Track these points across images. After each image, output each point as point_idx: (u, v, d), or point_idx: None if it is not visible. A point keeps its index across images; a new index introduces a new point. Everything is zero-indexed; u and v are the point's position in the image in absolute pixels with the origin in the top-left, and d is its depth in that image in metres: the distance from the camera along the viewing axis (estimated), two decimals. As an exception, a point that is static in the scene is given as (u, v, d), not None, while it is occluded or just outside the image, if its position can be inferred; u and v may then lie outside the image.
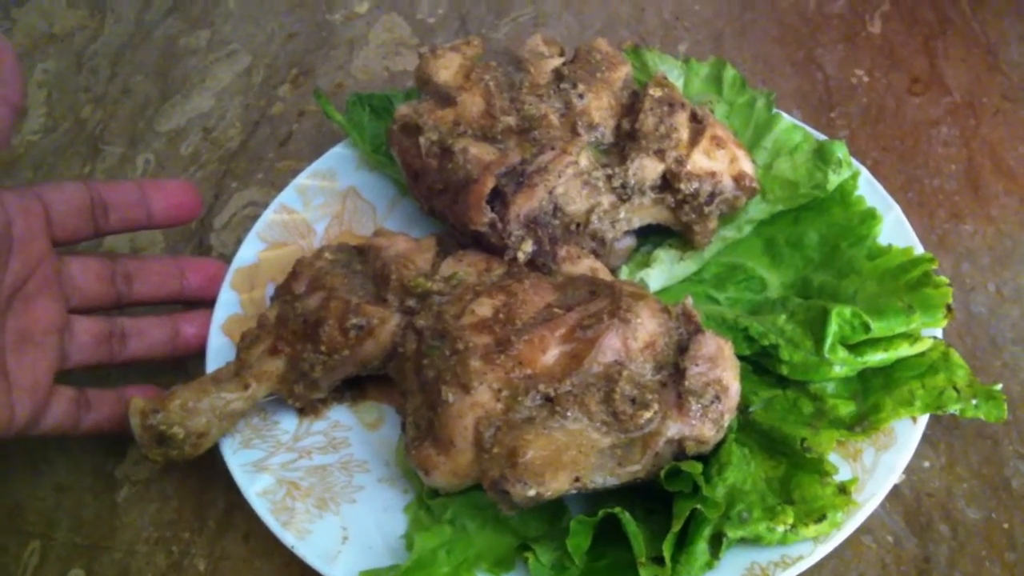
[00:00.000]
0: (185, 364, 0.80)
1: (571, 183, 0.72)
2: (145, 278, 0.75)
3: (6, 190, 0.66)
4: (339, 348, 0.69)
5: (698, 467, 0.61)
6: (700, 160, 0.75)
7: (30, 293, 0.67)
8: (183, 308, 0.79)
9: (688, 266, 0.79)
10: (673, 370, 0.63)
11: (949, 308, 0.67)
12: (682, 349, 0.64)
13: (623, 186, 0.74)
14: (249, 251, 0.82)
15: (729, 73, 0.88)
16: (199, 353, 0.75)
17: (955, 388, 0.66)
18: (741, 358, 0.67)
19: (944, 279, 0.69)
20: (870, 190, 0.79)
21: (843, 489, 0.62)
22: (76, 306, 0.71)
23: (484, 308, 0.66)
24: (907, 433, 0.66)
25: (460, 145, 0.73)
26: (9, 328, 0.66)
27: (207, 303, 0.78)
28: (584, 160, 0.73)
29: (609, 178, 0.74)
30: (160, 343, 0.75)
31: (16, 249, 0.65)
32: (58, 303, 0.69)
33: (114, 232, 0.73)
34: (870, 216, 0.77)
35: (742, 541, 0.61)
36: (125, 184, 0.73)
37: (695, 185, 0.75)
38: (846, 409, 0.67)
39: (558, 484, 0.59)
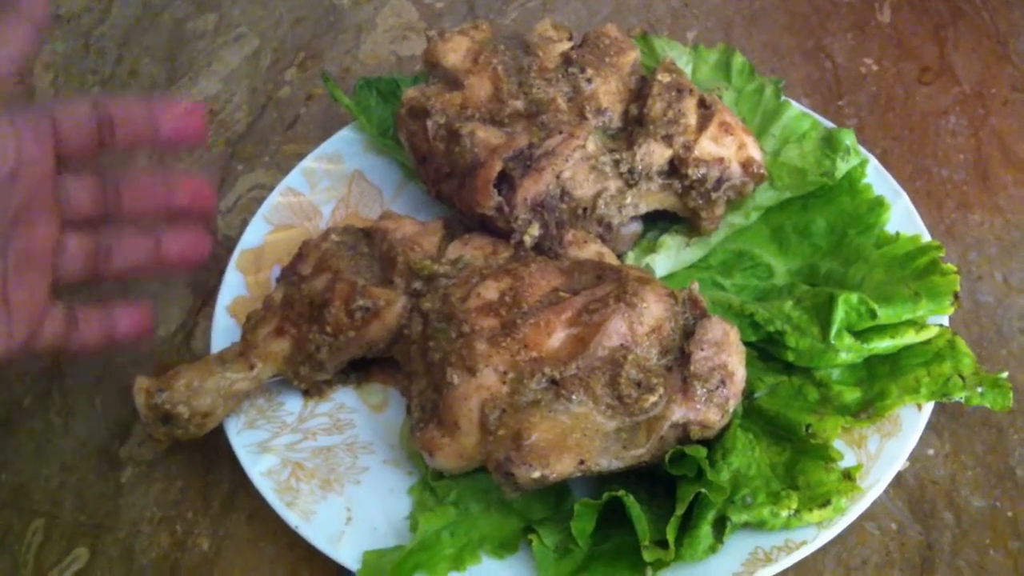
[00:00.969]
0: (190, 345, 0.80)
1: (578, 167, 0.72)
2: (134, 193, 0.72)
3: (17, 111, 0.63)
4: (345, 330, 0.69)
5: (702, 452, 0.61)
6: (708, 146, 0.75)
7: (32, 214, 0.65)
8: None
9: (694, 252, 0.78)
10: (679, 355, 0.63)
11: (956, 296, 0.67)
12: (688, 334, 0.64)
13: (630, 171, 0.74)
14: (255, 233, 0.82)
15: (738, 60, 0.88)
16: (186, 271, 0.74)
17: (961, 376, 0.66)
18: (747, 344, 0.66)
19: (951, 267, 0.69)
20: (878, 179, 0.79)
21: (847, 475, 0.62)
22: (66, 221, 0.69)
23: (490, 291, 0.66)
24: (912, 420, 0.66)
25: (467, 129, 0.73)
26: (12, 251, 0.64)
27: (198, 218, 0.75)
28: (592, 145, 0.73)
29: (616, 163, 0.74)
30: (143, 261, 0.72)
31: (24, 171, 0.63)
32: (55, 223, 0.67)
33: (119, 149, 0.70)
34: (878, 204, 0.76)
35: (746, 526, 0.61)
36: (133, 101, 0.70)
37: (703, 171, 0.74)
38: (851, 396, 0.67)
39: (563, 467, 0.59)
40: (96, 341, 0.70)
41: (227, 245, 0.87)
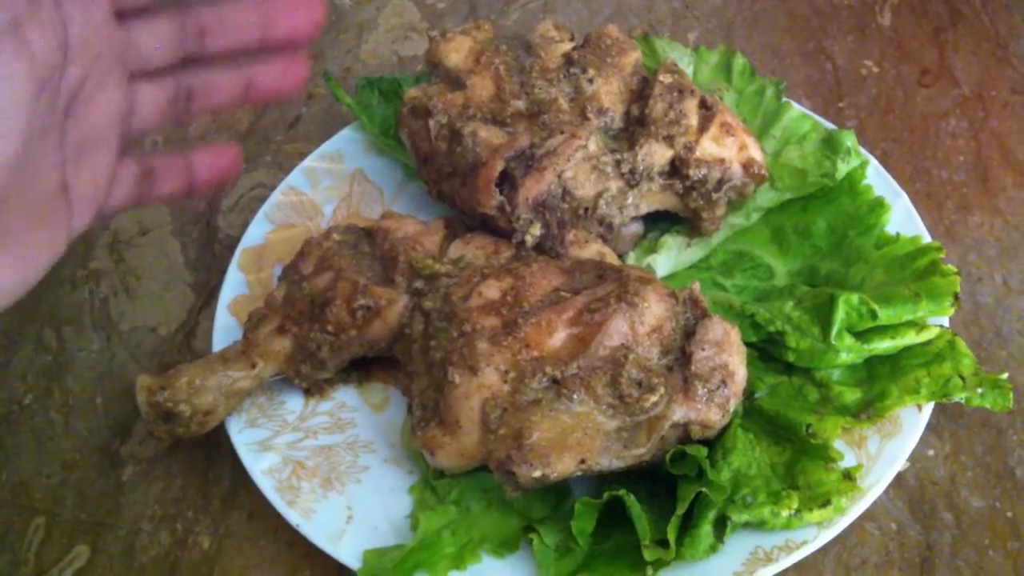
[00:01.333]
0: (192, 344, 0.80)
1: (580, 167, 0.72)
2: (221, 33, 0.59)
3: None
4: (346, 329, 0.69)
5: (703, 451, 0.61)
6: (709, 147, 0.75)
7: (91, 89, 0.55)
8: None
9: (695, 252, 0.79)
10: (680, 354, 0.63)
11: (956, 297, 0.67)
12: (689, 334, 0.64)
13: (632, 172, 0.74)
14: (257, 232, 0.82)
15: (739, 61, 0.88)
16: (282, 99, 0.65)
17: (961, 377, 0.66)
18: (747, 344, 0.67)
19: (951, 268, 0.69)
20: (878, 180, 0.80)
21: (848, 475, 0.62)
22: (139, 73, 0.58)
23: (492, 290, 0.66)
24: (912, 421, 0.66)
25: (469, 128, 0.73)
26: (71, 138, 0.55)
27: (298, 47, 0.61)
28: (593, 145, 0.73)
29: (618, 163, 0.74)
30: (233, 98, 0.61)
31: (74, 53, 0.53)
32: (121, 87, 0.56)
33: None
34: (878, 205, 0.77)
35: (746, 525, 0.61)
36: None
37: (704, 171, 0.75)
38: (852, 396, 0.67)
39: (564, 466, 0.59)
40: (176, 190, 0.61)
41: (228, 244, 0.87)
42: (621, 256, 0.77)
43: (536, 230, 0.71)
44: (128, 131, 0.58)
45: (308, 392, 0.73)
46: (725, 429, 0.64)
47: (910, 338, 0.67)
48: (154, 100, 0.59)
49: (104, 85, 0.55)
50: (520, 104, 0.75)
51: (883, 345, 0.68)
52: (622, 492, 0.60)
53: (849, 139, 0.78)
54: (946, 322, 0.70)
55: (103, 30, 0.54)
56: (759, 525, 0.61)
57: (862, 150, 0.80)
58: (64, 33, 0.52)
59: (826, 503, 0.61)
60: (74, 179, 0.55)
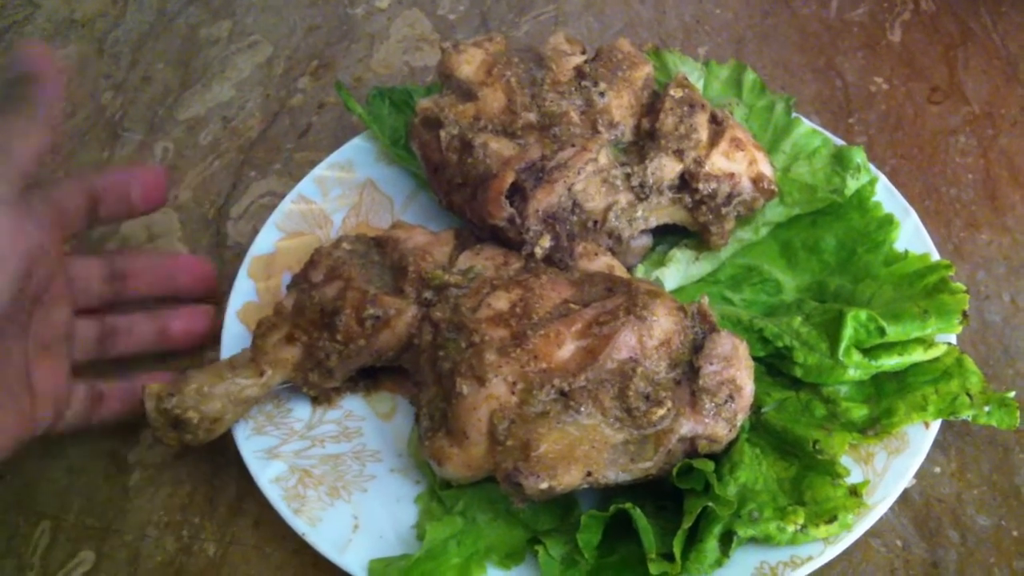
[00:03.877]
0: (201, 351, 0.81)
1: (590, 180, 0.72)
2: (138, 277, 0.76)
3: (27, 201, 0.63)
4: (355, 338, 0.69)
5: (710, 465, 0.61)
6: (719, 161, 0.75)
7: (47, 301, 0.67)
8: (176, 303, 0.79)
9: (704, 266, 0.79)
10: (688, 368, 0.63)
11: (964, 314, 0.67)
12: (697, 348, 0.64)
13: (641, 185, 0.74)
14: (266, 240, 0.83)
15: (749, 76, 0.89)
16: (188, 350, 0.79)
17: (968, 394, 0.66)
18: (755, 359, 0.67)
19: (960, 286, 0.69)
20: (887, 197, 0.80)
21: (854, 491, 0.62)
22: (79, 307, 0.72)
23: (501, 302, 0.66)
24: (919, 438, 0.66)
25: (480, 140, 0.74)
26: (32, 338, 0.65)
27: (199, 300, 0.80)
28: (603, 158, 0.73)
29: (628, 177, 0.74)
30: (148, 340, 0.76)
31: (37, 258, 0.64)
32: (69, 307, 0.69)
33: (105, 223, 0.74)
34: (887, 222, 0.77)
35: (752, 540, 0.61)
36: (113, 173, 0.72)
37: (713, 186, 0.75)
38: (859, 413, 0.67)
39: (570, 478, 0.59)
40: (120, 412, 0.73)
41: (237, 251, 0.87)
42: (630, 269, 0.77)
43: (546, 242, 0.71)
44: (72, 354, 0.70)
45: (316, 400, 0.73)
46: (732, 443, 0.64)
47: (918, 355, 0.68)
48: (88, 332, 0.73)
49: (58, 300, 0.68)
50: (531, 116, 0.75)
51: (891, 362, 0.68)
52: (628, 505, 0.60)
53: (859, 155, 0.79)
54: (954, 340, 0.70)
55: (58, 247, 0.66)
56: (765, 540, 0.61)
57: (871, 167, 0.80)
58: (32, 238, 0.62)
59: (832, 519, 0.61)
60: (36, 374, 0.65)
